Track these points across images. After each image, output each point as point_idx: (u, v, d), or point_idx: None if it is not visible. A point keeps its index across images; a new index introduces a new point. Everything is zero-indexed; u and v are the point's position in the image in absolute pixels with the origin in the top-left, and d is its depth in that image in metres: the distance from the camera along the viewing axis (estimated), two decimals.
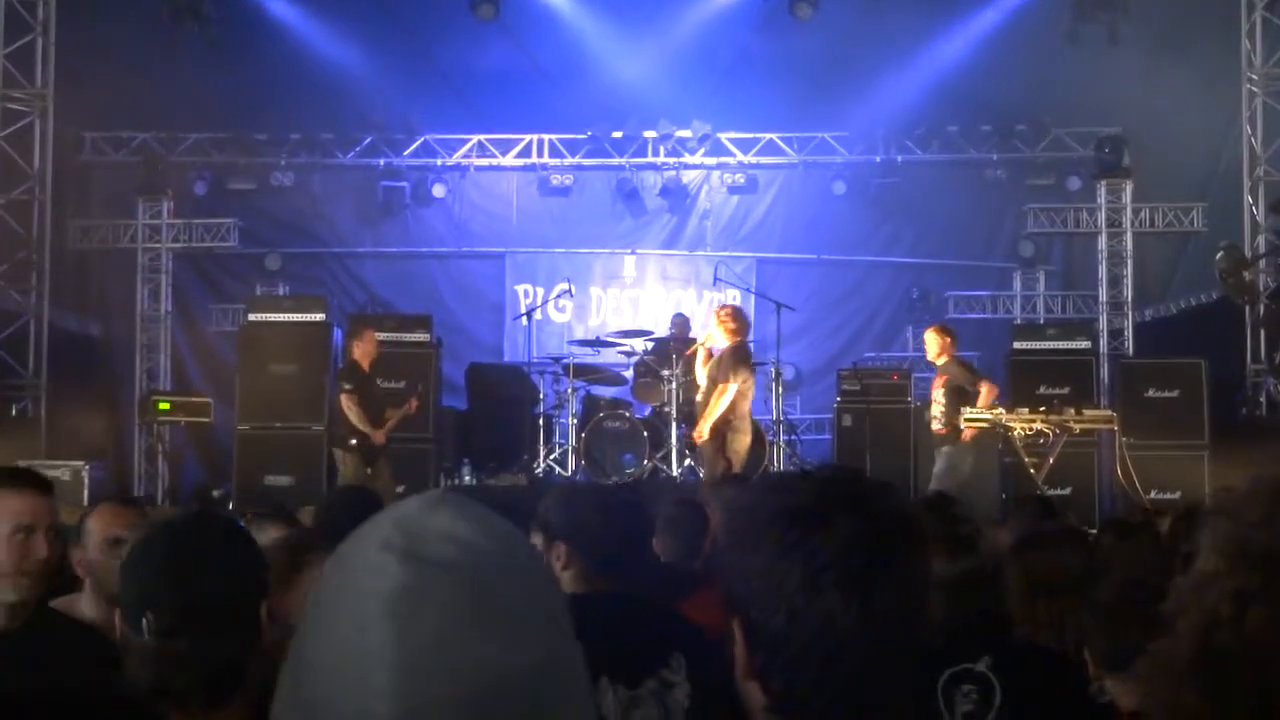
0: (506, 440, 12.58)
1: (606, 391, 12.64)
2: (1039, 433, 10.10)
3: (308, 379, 11.94)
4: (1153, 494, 10.72)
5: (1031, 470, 10.19)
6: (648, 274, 15.82)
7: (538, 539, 3.16)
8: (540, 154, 15.65)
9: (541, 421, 11.89)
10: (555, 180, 15.69)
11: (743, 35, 14.98)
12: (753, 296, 13.11)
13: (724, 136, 15.50)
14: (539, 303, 14.44)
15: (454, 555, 0.93)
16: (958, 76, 14.58)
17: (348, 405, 9.97)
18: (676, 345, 11.80)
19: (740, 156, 15.61)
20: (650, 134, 15.48)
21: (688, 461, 11.03)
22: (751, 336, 10.09)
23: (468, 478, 11.58)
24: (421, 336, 12.39)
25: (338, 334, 12.28)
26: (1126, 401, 12.07)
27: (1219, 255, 11.19)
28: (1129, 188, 14.76)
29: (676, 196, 15.78)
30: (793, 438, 12.46)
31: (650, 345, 12.36)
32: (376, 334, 10.60)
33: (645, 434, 11.42)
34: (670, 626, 3.06)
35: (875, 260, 15.80)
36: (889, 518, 1.40)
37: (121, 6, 13.73)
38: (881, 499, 1.42)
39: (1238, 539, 1.18)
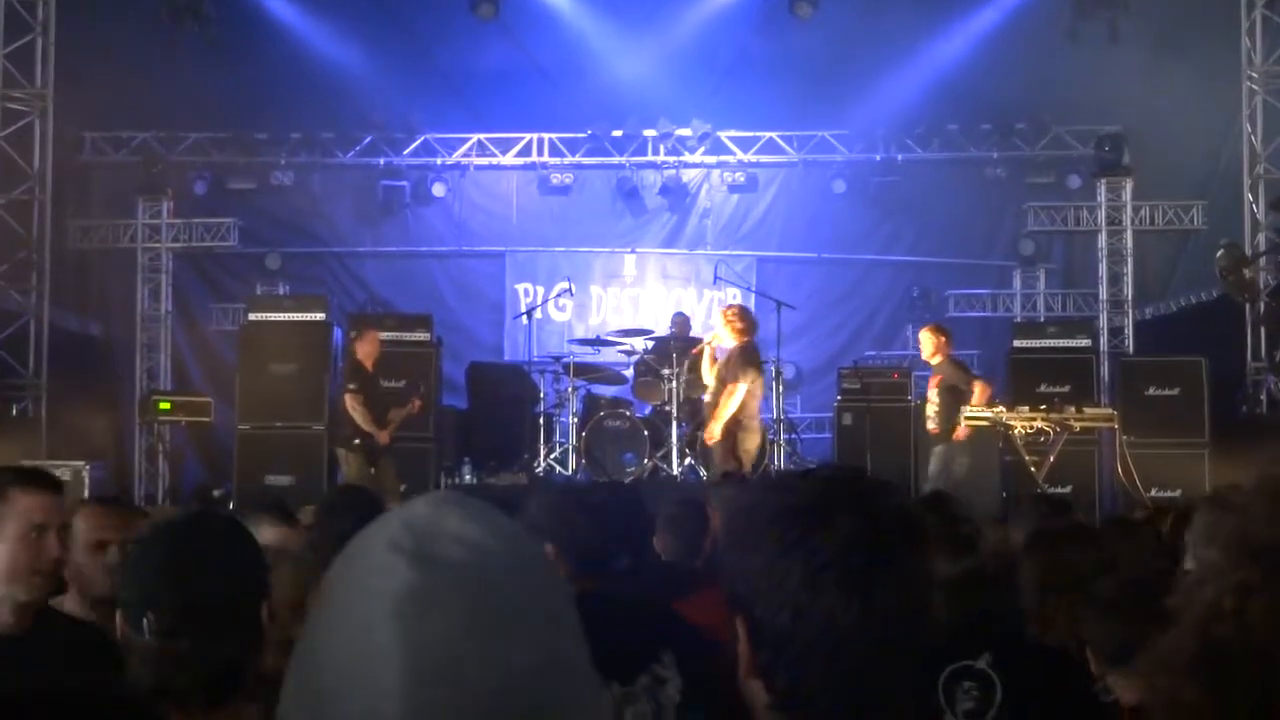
0: (507, 439, 12.58)
1: (607, 390, 12.64)
2: (1039, 431, 10.10)
3: (308, 378, 11.94)
4: (1153, 492, 10.70)
5: (1032, 468, 10.19)
6: (648, 273, 15.80)
7: None
8: (540, 153, 15.64)
9: (542, 420, 11.89)
10: (555, 179, 15.68)
11: (743, 34, 14.97)
12: (753, 295, 13.09)
13: (724, 135, 15.48)
14: (539, 302, 14.42)
15: (462, 556, 0.93)
16: (958, 75, 14.57)
17: (353, 405, 9.97)
18: (677, 344, 11.78)
19: (740, 155, 15.60)
20: (650, 133, 15.46)
21: (688, 460, 11.03)
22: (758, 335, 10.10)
23: (468, 477, 11.59)
24: (422, 336, 12.41)
25: (338, 333, 12.29)
26: (1127, 400, 12.07)
27: (1219, 253, 11.19)
28: (1129, 186, 14.75)
29: (676, 195, 15.77)
30: (793, 436, 12.45)
31: (650, 344, 12.33)
32: (378, 334, 10.61)
33: (646, 433, 11.40)
34: (660, 624, 3.06)
35: (875, 259, 15.78)
36: (889, 516, 1.41)
37: (121, 6, 13.73)
38: (882, 498, 1.42)
39: (1241, 533, 1.19)
